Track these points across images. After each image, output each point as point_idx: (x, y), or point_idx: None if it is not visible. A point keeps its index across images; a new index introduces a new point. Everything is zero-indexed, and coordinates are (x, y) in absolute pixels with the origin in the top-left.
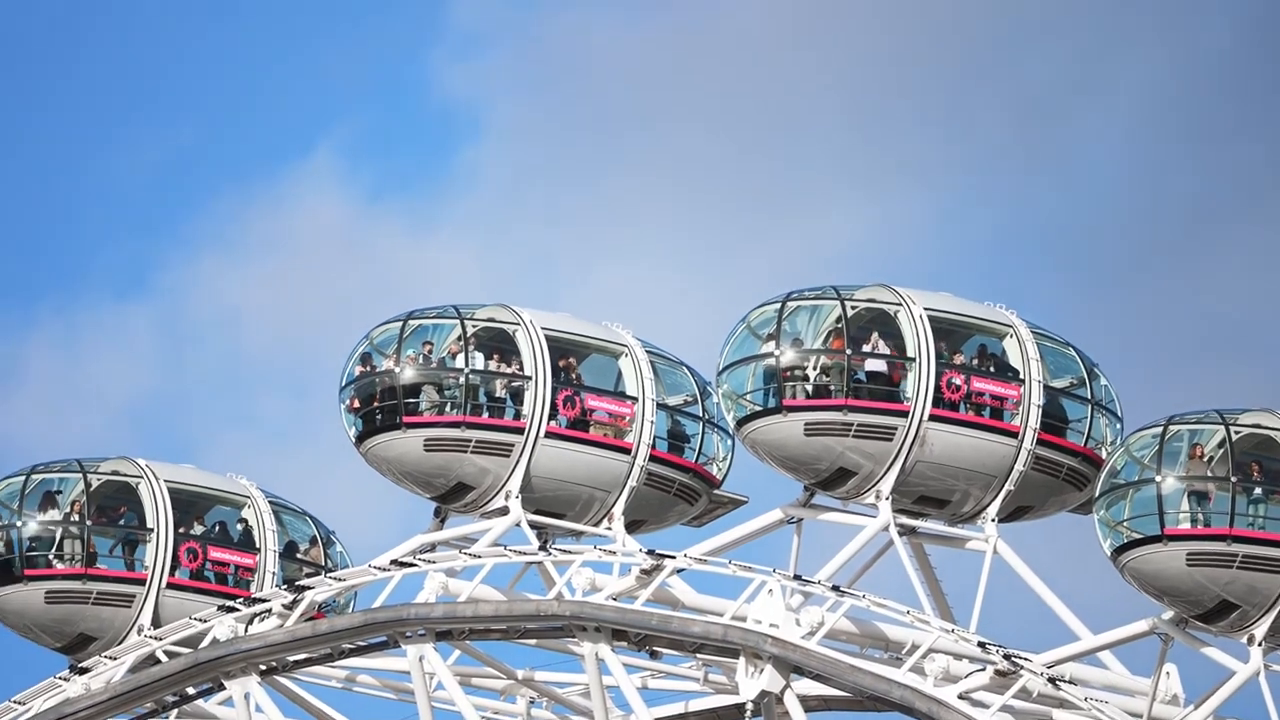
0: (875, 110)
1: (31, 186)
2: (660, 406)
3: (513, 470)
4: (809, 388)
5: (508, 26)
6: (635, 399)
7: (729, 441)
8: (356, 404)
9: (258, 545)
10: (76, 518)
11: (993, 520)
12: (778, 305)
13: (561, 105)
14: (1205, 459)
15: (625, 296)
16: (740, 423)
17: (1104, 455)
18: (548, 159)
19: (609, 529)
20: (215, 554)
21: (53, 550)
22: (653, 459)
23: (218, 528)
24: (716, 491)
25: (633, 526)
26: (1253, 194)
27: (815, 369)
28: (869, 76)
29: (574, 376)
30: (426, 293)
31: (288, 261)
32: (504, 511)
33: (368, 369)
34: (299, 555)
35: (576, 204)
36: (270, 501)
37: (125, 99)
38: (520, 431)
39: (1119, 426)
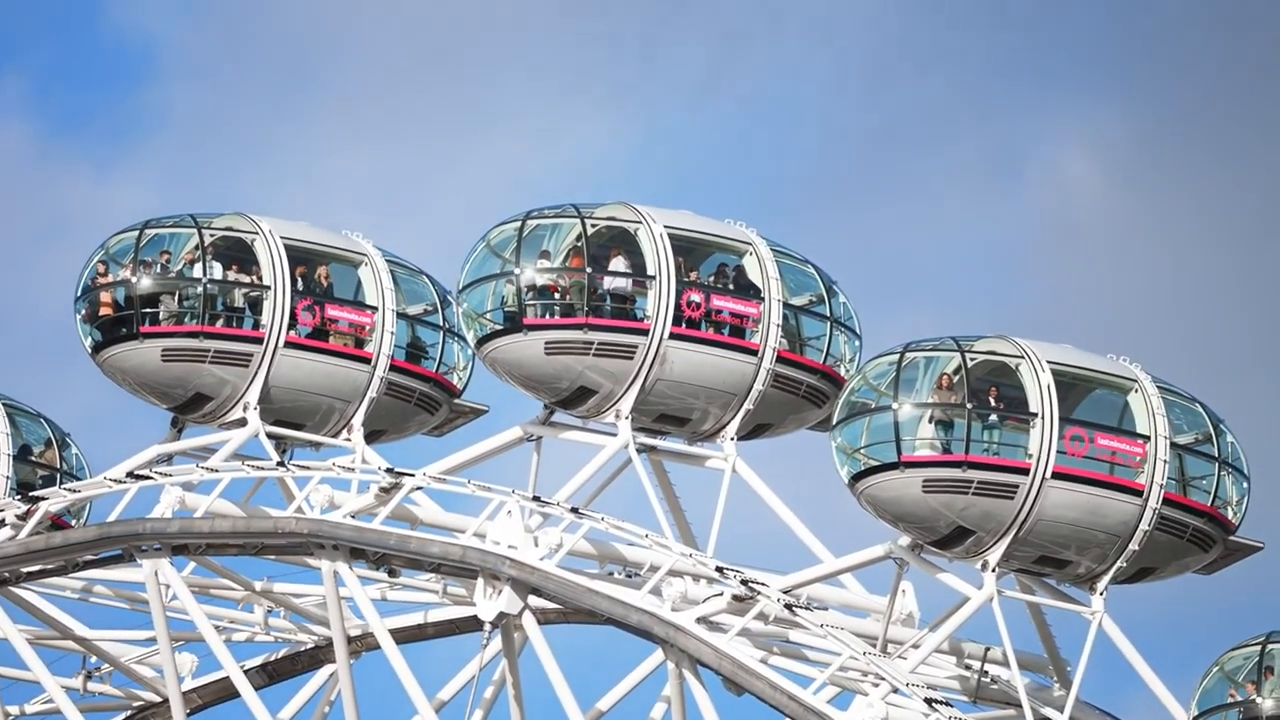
0: (570, 38)
1: None
2: (400, 316)
3: (251, 381)
4: (548, 306)
5: None
6: (375, 308)
7: (469, 351)
8: (92, 314)
9: None
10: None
11: (732, 439)
12: (517, 224)
13: (245, 37)
14: (949, 387)
15: (325, 227)
16: (480, 342)
17: (843, 373)
18: (234, 90)
19: (349, 439)
20: None
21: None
22: (393, 368)
23: None
24: (457, 401)
25: (373, 436)
26: (935, 128)
27: (556, 287)
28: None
29: (324, 285)
30: (108, 232)
31: None
32: (243, 423)
33: (104, 278)
34: (33, 458)
35: (269, 136)
36: (3, 403)
37: None
38: (259, 341)
39: (858, 344)
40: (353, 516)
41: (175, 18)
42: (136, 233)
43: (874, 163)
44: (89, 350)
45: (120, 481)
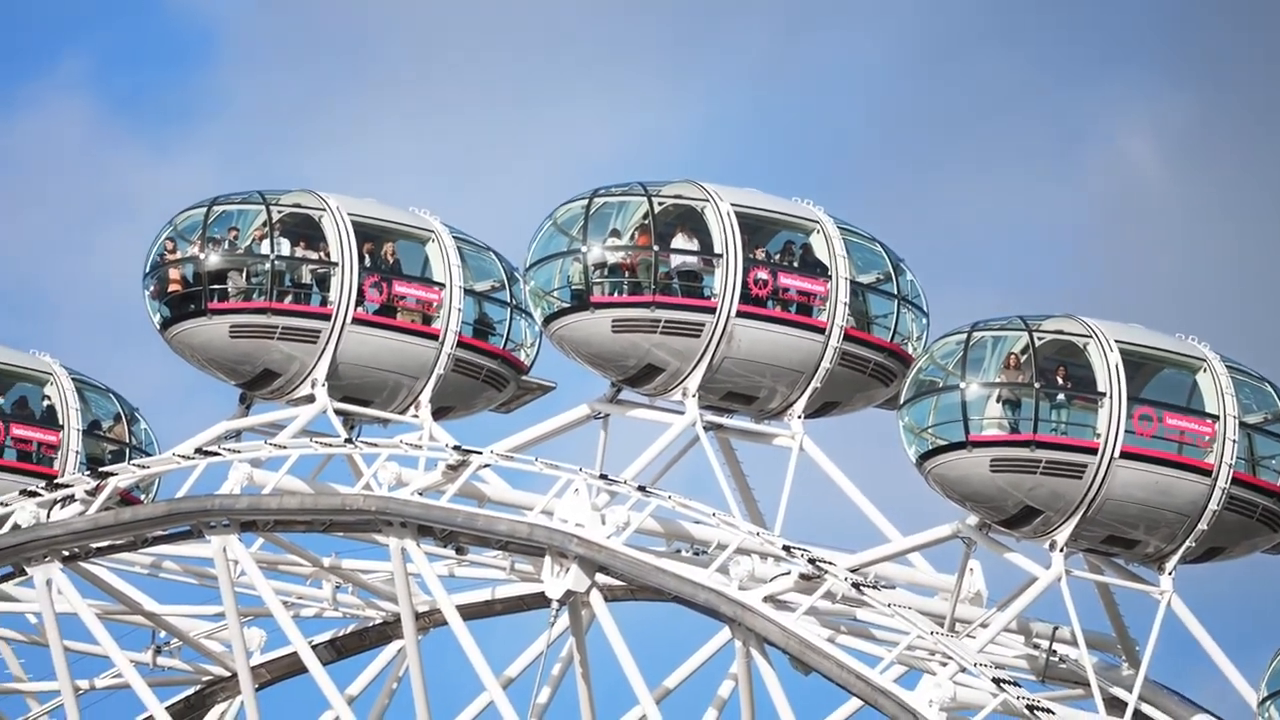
0: (631, 20)
1: None
2: (467, 292)
3: (319, 357)
4: (616, 284)
5: None
6: (442, 285)
7: (537, 328)
8: (160, 290)
9: (61, 422)
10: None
11: (799, 417)
12: (584, 201)
13: (304, 19)
14: (1017, 366)
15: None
16: (547, 320)
17: (910, 350)
18: (294, 70)
19: (416, 416)
20: (18, 431)
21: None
22: (460, 345)
23: (20, 403)
24: (524, 378)
25: (441, 413)
26: (995, 107)
27: (623, 265)
28: None
29: (391, 262)
30: (167, 212)
31: (16, 178)
32: (310, 399)
33: (172, 255)
34: (102, 433)
35: (328, 116)
36: (73, 378)
37: None
38: (327, 318)
39: (925, 322)
40: (420, 494)
41: (237, 4)
42: (204, 209)
43: (935, 142)
44: (157, 326)
45: (189, 457)
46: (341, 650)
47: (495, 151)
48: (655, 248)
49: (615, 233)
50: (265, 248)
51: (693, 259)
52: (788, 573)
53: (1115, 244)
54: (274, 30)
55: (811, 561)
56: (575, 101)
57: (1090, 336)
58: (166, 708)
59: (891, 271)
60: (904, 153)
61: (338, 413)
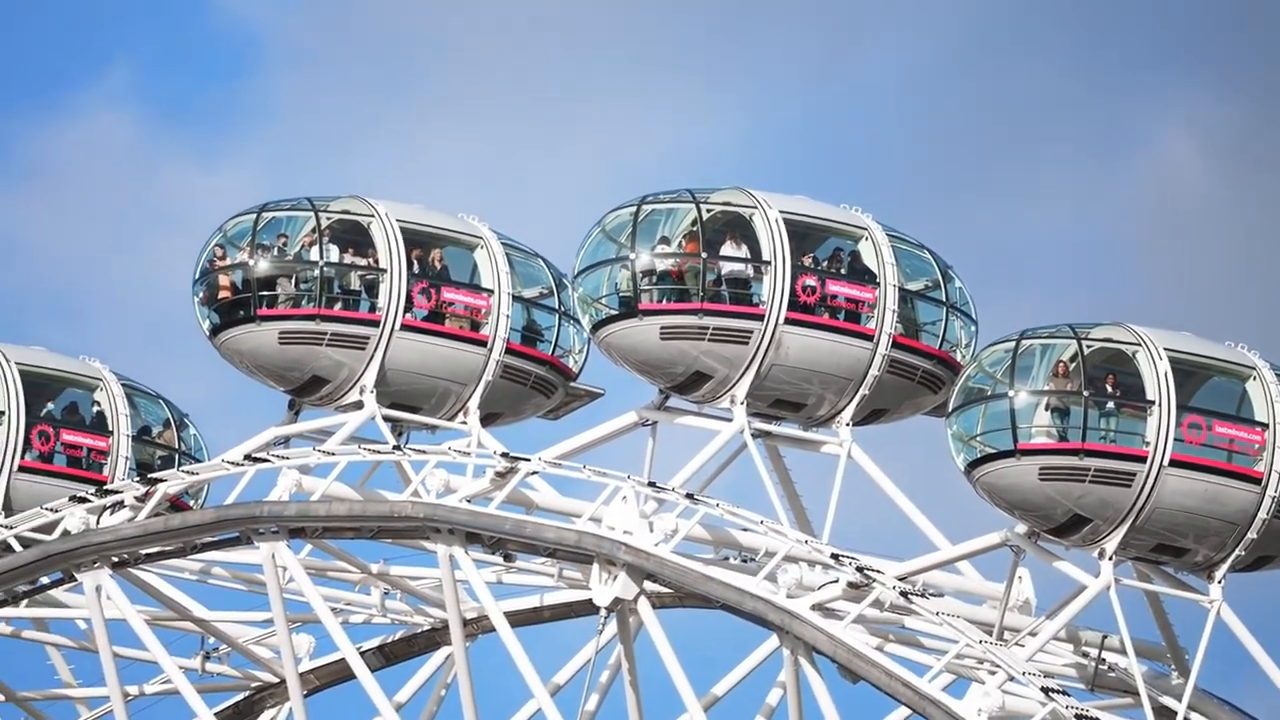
0: (679, 27)
1: None
2: (516, 299)
3: (368, 363)
4: (664, 291)
5: None
6: (491, 291)
7: (585, 334)
8: (210, 296)
9: (110, 428)
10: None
11: (847, 424)
12: (633, 209)
13: (349, 24)
14: (1066, 374)
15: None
16: (596, 326)
17: (959, 358)
18: (337, 77)
19: (464, 422)
20: (68, 437)
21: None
22: (508, 351)
23: (70, 409)
24: (573, 384)
25: (489, 419)
26: (1041, 115)
27: (672, 272)
28: None
29: (439, 268)
30: (214, 220)
31: (64, 187)
32: (359, 405)
33: (221, 261)
34: (151, 439)
35: (372, 123)
36: (123, 384)
37: None
38: (376, 324)
39: (974, 329)
40: (468, 501)
41: (279, 5)
42: (254, 216)
43: (981, 149)
44: (207, 333)
45: (238, 464)
46: (390, 657)
47: (544, 158)
48: (704, 255)
49: (664, 240)
50: (314, 254)
51: (741, 266)
52: (836, 581)
53: (1161, 252)
54: (320, 36)
55: (860, 569)
56: (624, 109)
57: (1139, 344)
58: (215, 714)
59: (940, 279)
60: (950, 160)
61: (386, 419)
